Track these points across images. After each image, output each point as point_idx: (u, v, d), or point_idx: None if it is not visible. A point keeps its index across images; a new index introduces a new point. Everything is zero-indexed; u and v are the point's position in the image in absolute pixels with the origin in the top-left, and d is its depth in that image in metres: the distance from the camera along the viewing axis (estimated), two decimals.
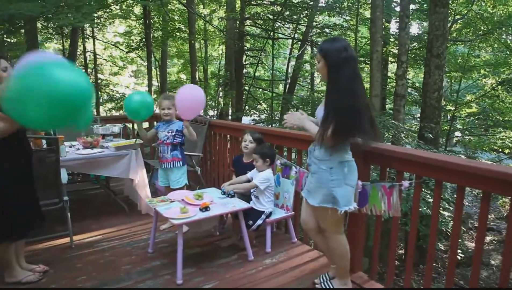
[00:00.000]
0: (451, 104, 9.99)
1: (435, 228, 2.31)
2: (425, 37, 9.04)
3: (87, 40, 12.23)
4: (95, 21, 9.75)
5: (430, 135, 6.71)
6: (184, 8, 10.24)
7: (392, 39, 9.54)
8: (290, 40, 13.28)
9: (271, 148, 3.26)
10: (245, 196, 3.15)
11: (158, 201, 2.94)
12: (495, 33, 8.96)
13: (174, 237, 3.19)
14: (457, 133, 11.76)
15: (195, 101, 3.22)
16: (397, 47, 7.51)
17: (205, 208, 2.73)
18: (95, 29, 12.16)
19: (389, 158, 2.45)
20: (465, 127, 10.93)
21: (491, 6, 9.13)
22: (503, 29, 9.09)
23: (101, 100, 13.40)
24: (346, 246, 2.33)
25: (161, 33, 10.63)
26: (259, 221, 3.01)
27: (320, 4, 10.85)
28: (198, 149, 4.36)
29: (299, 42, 12.64)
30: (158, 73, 12.93)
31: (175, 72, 15.79)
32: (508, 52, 9.21)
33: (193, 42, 8.84)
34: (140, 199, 3.78)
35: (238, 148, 3.74)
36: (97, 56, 13.27)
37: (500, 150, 10.18)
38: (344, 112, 1.99)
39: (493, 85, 9.72)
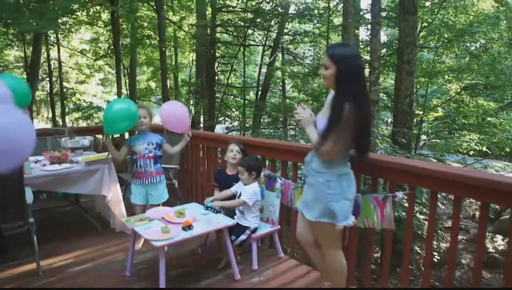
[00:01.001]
0: (419, 108, 10.19)
1: (411, 232, 2.30)
2: (394, 44, 9.23)
3: (51, 47, 11.63)
4: (60, 27, 9.27)
5: (403, 140, 6.76)
6: (154, 15, 9.95)
7: (362, 46, 9.63)
8: (261, 47, 13.19)
9: (258, 160, 3.10)
10: (229, 210, 2.97)
11: (135, 220, 2.70)
12: (458, 40, 9.23)
13: (153, 258, 2.96)
14: (423, 136, 12.05)
15: (182, 113, 3.10)
16: (369, 54, 7.53)
17: (188, 227, 2.53)
18: (59, 36, 11.59)
19: (380, 168, 2.35)
20: (432, 131, 11.19)
21: (453, 14, 9.43)
22: (465, 36, 9.40)
23: (67, 110, 12.80)
24: (343, 262, 2.21)
25: (130, 40, 10.26)
26: (243, 237, 2.84)
27: (291, 11, 10.83)
28: (175, 161, 4.13)
29: (271, 49, 12.56)
30: (127, 81, 12.48)
31: (144, 80, 15.34)
32: (470, 58, 9.52)
33: (163, 49, 8.56)
34: (114, 216, 3.50)
35: (221, 160, 3.56)
36: (62, 64, 12.67)
37: (466, 152, 10.47)
38: (348, 125, 1.89)
39: (458, 90, 10.00)
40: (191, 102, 12.57)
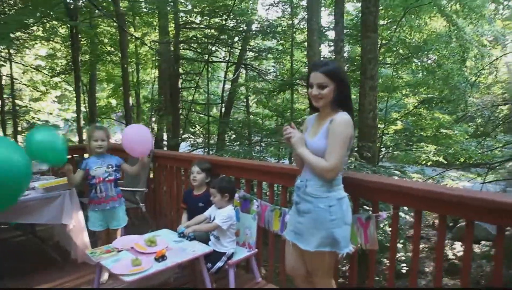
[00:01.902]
0: (380, 122, 10.46)
1: (394, 251, 2.29)
2: (355, 61, 9.46)
3: (3, 63, 10.92)
4: (13, 42, 8.73)
5: (369, 154, 6.84)
6: (115, 30, 9.62)
7: None
8: (225, 64, 13.12)
9: (230, 181, 2.96)
10: (202, 236, 2.78)
11: (102, 252, 2.45)
12: (414, 57, 9.63)
13: None
14: (384, 149, 12.38)
15: (144, 136, 2.89)
16: None
17: (162, 257, 2.31)
18: (12, 51, 10.92)
19: (361, 188, 2.27)
20: (392, 144, 11.51)
21: (409, 33, 9.84)
22: (420, 53, 9.83)
23: (19, 129, 12.01)
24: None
25: (89, 56, 9.83)
26: (219, 264, 2.66)
27: (254, 28, 10.87)
28: (142, 183, 3.88)
29: (234, 65, 12.53)
30: (86, 98, 11.94)
31: (104, 97, 14.78)
32: (426, 74, 9.94)
33: (126, 65, 8.25)
34: (76, 246, 3.19)
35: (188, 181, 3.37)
36: (14, 80, 11.92)
37: (424, 163, 10.83)
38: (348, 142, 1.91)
39: (415, 104, 10.37)
40: (154, 119, 12.22)
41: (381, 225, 5.95)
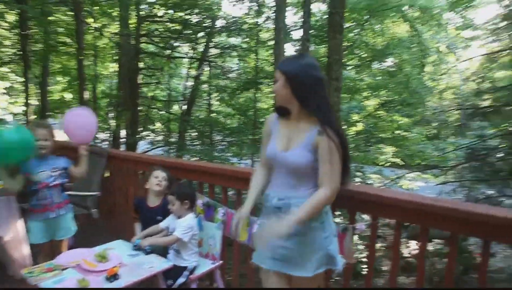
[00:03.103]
0: (341, 123, 10.55)
1: (372, 263, 2.13)
2: (319, 62, 9.39)
3: None
4: None
5: None
6: (71, 20, 8.94)
7: None
8: (187, 60, 12.72)
9: (190, 186, 2.69)
10: (160, 248, 2.48)
11: (41, 271, 2.08)
12: (376, 60, 9.76)
13: None
14: None
15: (85, 117, 2.59)
16: None
17: (113, 276, 1.99)
18: None
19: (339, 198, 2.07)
20: (353, 145, 11.64)
21: (372, 36, 9.96)
22: (381, 57, 9.98)
23: None
24: None
25: (42, 46, 9.07)
26: (181, 279, 2.38)
27: (219, 24, 10.57)
28: (95, 186, 3.50)
29: (197, 62, 12.15)
30: (39, 91, 11.08)
31: (58, 91, 13.84)
32: (387, 77, 10.11)
33: (82, 57, 7.67)
34: (13, 260, 2.76)
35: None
36: None
37: (382, 164, 11.04)
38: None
39: (376, 106, 10.52)
40: (111, 115, 11.62)
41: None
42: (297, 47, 10.42)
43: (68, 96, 13.40)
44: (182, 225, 2.41)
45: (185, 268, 2.40)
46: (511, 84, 6.90)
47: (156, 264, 2.21)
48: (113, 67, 12.63)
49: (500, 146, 6.62)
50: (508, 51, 9.18)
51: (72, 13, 7.71)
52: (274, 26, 7.09)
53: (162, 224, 2.54)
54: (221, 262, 2.63)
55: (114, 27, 10.88)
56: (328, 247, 1.66)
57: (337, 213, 3.14)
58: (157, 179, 2.68)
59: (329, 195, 1.60)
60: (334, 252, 1.69)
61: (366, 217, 2.47)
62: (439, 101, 11.55)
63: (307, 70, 1.62)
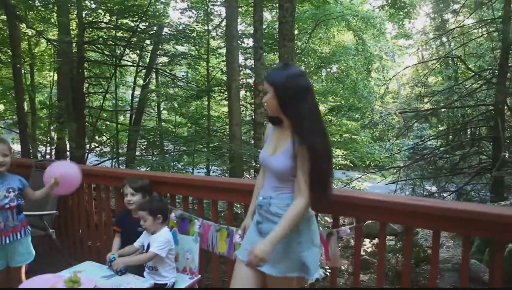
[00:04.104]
0: None
1: (359, 266, 2.16)
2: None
3: None
4: None
5: None
6: (3, 23, 8.21)
7: (242, 72, 9.77)
8: (135, 68, 12.28)
9: (162, 200, 2.58)
10: (134, 267, 2.34)
11: None
12: (324, 67, 10.12)
13: None
14: None
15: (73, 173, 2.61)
16: (253, 78, 7.60)
17: None
18: None
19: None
20: None
21: (318, 44, 10.33)
22: (328, 64, 10.38)
23: None
24: None
25: None
26: None
27: (167, 31, 10.34)
28: (51, 204, 3.22)
29: (145, 70, 11.78)
30: None
31: None
32: (335, 83, 10.52)
33: (18, 65, 7.07)
34: None
35: (117, 202, 2.88)
36: None
37: (333, 166, 11.49)
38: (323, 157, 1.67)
39: (325, 111, 10.89)
40: (52, 127, 10.85)
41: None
42: (247, 55, 10.52)
43: (0, 106, 12.34)
44: (157, 240, 2.30)
45: (164, 285, 2.29)
46: (447, 88, 7.57)
47: (135, 285, 2.07)
48: (52, 76, 11.84)
49: (439, 145, 7.20)
50: (437, 59, 10.01)
51: (7, 15, 7.08)
52: (225, 34, 7.09)
53: (136, 243, 2.39)
54: (199, 276, 2.54)
55: (53, 34, 10.22)
56: (302, 253, 1.67)
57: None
58: (126, 198, 2.56)
59: (305, 203, 1.64)
60: (309, 261, 1.69)
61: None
62: (382, 105, 12.24)
63: (294, 79, 1.66)
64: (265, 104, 1.75)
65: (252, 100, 9.22)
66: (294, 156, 1.66)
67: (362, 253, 9.49)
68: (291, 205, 1.65)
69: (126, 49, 10.42)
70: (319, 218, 2.19)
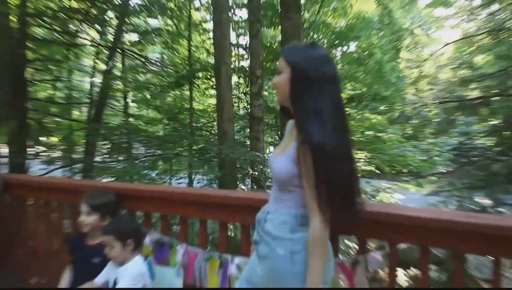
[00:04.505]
0: None
1: None
2: (270, 48, 9.58)
3: None
4: None
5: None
6: None
7: (233, 52, 9.80)
8: (94, 48, 12.27)
9: (132, 220, 2.56)
10: None
11: None
12: (340, 45, 10.16)
13: None
14: None
15: None
16: (248, 60, 7.62)
17: None
18: None
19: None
20: None
21: (332, 16, 10.36)
22: (344, 42, 10.41)
23: None
24: None
25: None
26: None
27: (137, 1, 10.35)
28: None
29: (107, 51, 11.78)
30: None
31: None
32: (353, 65, 10.55)
33: None
34: None
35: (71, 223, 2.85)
36: None
37: None
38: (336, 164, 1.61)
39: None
40: None
41: None
42: (240, 31, 10.55)
43: None
44: (128, 273, 2.28)
45: None
46: (501, 70, 7.49)
47: None
48: None
49: (492, 145, 7.13)
50: (487, 31, 10.03)
51: None
52: (212, 4, 7.11)
53: (99, 279, 2.36)
54: None
55: None
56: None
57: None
58: (80, 219, 2.53)
59: (318, 228, 1.61)
60: None
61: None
62: (416, 94, 12.29)
63: (321, 64, 1.66)
64: (275, 88, 1.75)
65: (248, 89, 9.22)
66: (297, 161, 1.66)
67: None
68: (308, 235, 1.63)
69: (83, 24, 10.41)
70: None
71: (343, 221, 1.82)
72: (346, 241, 6.59)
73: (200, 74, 9.98)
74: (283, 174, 1.70)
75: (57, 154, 11.91)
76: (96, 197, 2.58)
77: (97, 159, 10.88)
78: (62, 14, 9.25)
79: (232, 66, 8.60)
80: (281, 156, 1.74)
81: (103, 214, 2.54)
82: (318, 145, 1.57)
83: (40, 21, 9.39)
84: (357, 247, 2.13)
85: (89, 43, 11.96)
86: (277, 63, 1.74)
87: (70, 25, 10.24)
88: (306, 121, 1.62)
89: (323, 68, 1.65)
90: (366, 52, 10.57)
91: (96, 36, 12.15)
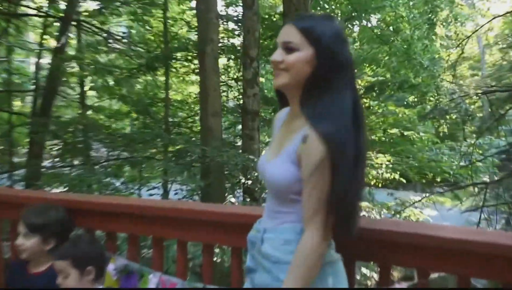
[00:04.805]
0: None
1: None
2: (270, 21, 9.61)
3: None
4: None
5: None
6: None
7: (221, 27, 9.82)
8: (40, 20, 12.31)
9: (92, 242, 2.58)
10: None
11: None
12: (358, 18, 10.21)
13: None
14: None
15: None
16: (240, 36, 7.66)
17: None
18: None
19: (372, 244, 2.10)
20: None
21: None
22: (364, 12, 10.46)
23: None
24: None
25: None
26: None
27: None
28: None
29: (59, 24, 11.81)
30: None
31: None
32: (374, 45, 10.61)
33: None
34: None
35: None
36: None
37: (373, 183, 11.57)
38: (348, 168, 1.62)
39: (360, 92, 11.00)
40: None
41: None
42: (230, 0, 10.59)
43: None
44: None
45: None
46: None
47: None
48: None
49: None
50: None
51: None
52: None
53: None
54: None
55: None
56: None
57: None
58: (18, 242, 2.55)
59: (317, 243, 1.63)
60: None
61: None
62: (454, 81, 12.33)
63: (343, 44, 1.70)
64: (287, 68, 1.72)
65: (240, 74, 9.26)
66: (298, 160, 1.68)
67: None
68: (298, 245, 1.66)
69: None
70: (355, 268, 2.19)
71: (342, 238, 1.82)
72: (363, 268, 6.63)
73: (179, 55, 10.00)
74: (281, 180, 1.72)
75: None
76: (36, 214, 2.58)
77: (45, 163, 10.89)
78: None
79: (219, 44, 8.63)
80: (275, 159, 1.77)
81: (45, 236, 2.55)
82: (340, 144, 1.59)
83: None
84: (377, 276, 2.17)
85: (35, 12, 12.00)
86: (284, 36, 1.73)
87: None
88: (327, 115, 1.64)
89: (346, 50, 1.70)
90: (392, 27, 10.62)
91: (44, 3, 12.18)
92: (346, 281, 1.83)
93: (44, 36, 12.84)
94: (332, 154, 1.58)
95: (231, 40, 10.25)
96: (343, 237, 1.78)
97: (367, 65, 10.92)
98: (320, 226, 1.61)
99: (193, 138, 9.73)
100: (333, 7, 10.51)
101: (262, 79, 9.99)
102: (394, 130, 11.17)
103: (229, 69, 10.95)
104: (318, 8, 10.69)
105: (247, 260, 1.91)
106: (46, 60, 12.60)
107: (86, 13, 11.83)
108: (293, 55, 1.69)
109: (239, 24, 9.32)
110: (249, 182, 6.80)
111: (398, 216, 9.31)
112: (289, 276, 1.63)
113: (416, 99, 11.42)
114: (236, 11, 10.44)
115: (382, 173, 10.71)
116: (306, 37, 1.67)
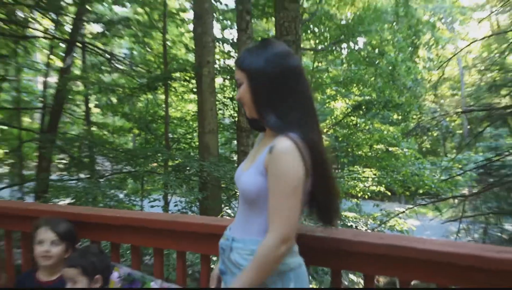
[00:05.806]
0: None
1: None
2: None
3: None
4: None
5: None
6: None
7: (218, 49, 9.85)
8: (47, 42, 12.31)
9: (101, 253, 2.60)
10: None
11: None
12: (346, 41, 10.27)
13: None
14: None
15: None
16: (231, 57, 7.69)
17: None
18: None
19: (347, 253, 2.13)
20: None
21: (336, 6, 10.50)
22: (352, 36, 10.52)
23: None
24: None
25: None
26: None
27: None
28: None
29: (64, 45, 11.82)
30: None
31: None
32: (361, 66, 10.66)
33: None
34: None
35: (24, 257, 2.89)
36: None
37: (360, 195, 11.59)
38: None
39: (347, 110, 11.04)
40: None
41: None
42: (226, 23, 10.64)
43: None
44: None
45: None
46: None
47: None
48: None
49: None
50: None
51: None
52: None
53: None
54: None
55: None
56: None
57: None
58: (43, 248, 2.53)
59: (271, 244, 1.66)
60: None
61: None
62: (436, 101, 12.42)
63: (278, 61, 1.76)
64: (241, 103, 1.86)
65: (235, 93, 9.28)
66: (266, 170, 1.73)
67: None
68: (260, 244, 1.70)
69: (34, 12, 10.43)
70: (345, 277, 2.23)
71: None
72: (351, 275, 6.64)
73: (178, 75, 10.00)
74: (251, 189, 1.77)
75: (4, 170, 11.89)
76: (61, 223, 2.61)
77: (53, 176, 10.84)
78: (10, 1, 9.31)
79: (216, 65, 8.64)
80: (248, 170, 1.82)
81: (69, 245, 2.58)
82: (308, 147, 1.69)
83: None
84: (363, 282, 2.20)
85: (42, 35, 12.00)
86: (235, 76, 1.85)
87: (18, 13, 10.27)
88: (279, 123, 1.73)
89: (283, 61, 1.76)
90: (377, 49, 10.69)
91: (50, 26, 12.18)
92: (308, 285, 1.89)
93: (51, 57, 12.86)
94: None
95: (227, 61, 10.30)
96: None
97: (355, 85, 10.97)
98: (277, 230, 1.65)
99: (192, 154, 9.75)
100: (323, 30, 10.57)
101: None
102: (380, 146, 11.24)
103: (224, 88, 11.00)
104: (309, 31, 10.78)
105: (219, 263, 1.96)
106: (53, 79, 12.59)
107: (90, 35, 11.88)
108: (240, 89, 1.81)
109: (234, 46, 9.36)
110: None
111: (383, 226, 9.33)
112: (242, 273, 1.70)
113: (400, 117, 11.48)
114: (231, 34, 10.49)
115: (369, 186, 10.73)
116: (241, 70, 1.79)
